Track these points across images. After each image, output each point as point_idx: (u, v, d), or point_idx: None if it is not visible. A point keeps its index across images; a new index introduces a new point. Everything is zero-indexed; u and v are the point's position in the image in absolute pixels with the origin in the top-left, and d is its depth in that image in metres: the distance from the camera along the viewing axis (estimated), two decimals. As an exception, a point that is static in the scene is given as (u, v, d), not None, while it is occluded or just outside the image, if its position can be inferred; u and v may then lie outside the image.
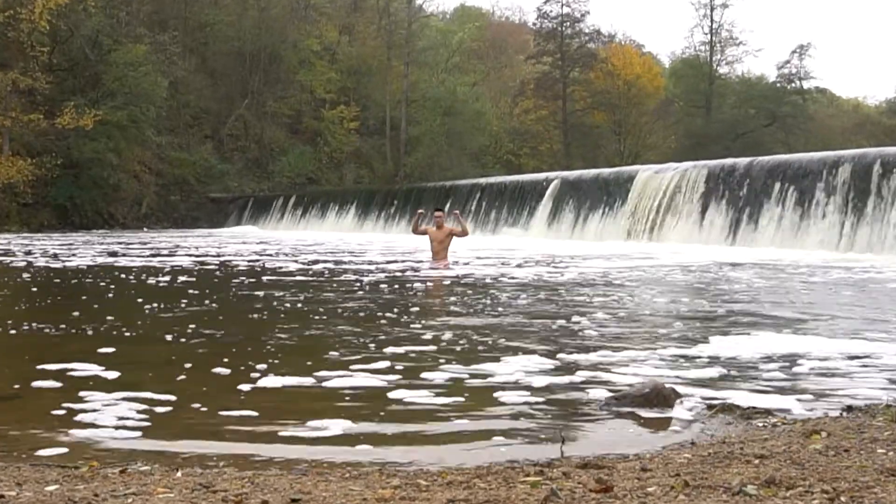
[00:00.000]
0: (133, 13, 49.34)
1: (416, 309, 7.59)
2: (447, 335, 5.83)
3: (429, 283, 10.58)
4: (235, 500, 2.39)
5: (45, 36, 41.48)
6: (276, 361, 4.79)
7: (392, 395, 3.95)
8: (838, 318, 6.84)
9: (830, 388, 4.12)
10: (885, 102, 71.71)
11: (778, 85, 63.28)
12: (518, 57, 67.85)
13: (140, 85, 42.88)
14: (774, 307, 7.63)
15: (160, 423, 3.44)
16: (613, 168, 29.84)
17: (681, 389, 3.91)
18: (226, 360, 4.80)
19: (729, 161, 22.74)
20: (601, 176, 26.94)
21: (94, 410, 3.60)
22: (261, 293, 9.20)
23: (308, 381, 4.24)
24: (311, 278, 11.47)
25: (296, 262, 15.44)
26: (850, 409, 3.66)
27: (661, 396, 3.69)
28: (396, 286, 10.03)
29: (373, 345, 5.37)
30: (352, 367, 4.57)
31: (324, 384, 4.18)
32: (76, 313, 7.23)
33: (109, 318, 6.89)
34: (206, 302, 8.32)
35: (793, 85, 63.52)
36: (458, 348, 5.32)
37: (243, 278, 11.52)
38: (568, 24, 59.81)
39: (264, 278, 11.51)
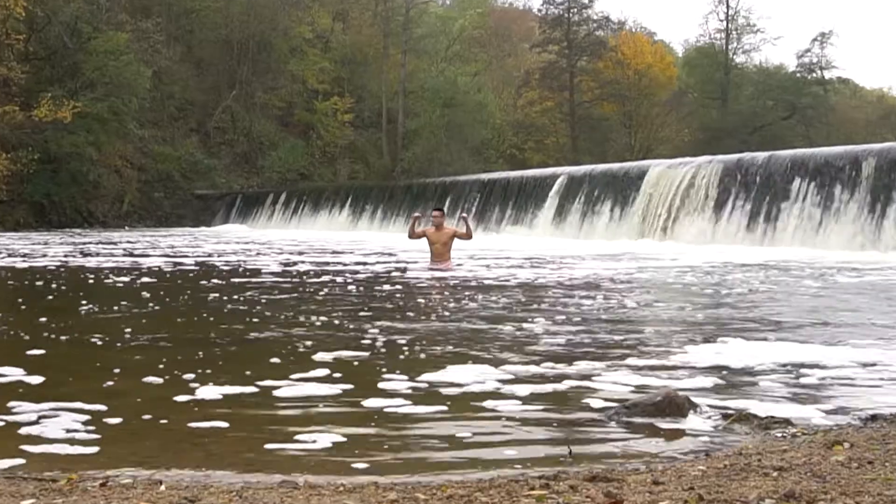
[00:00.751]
0: (114, -1, 49.40)
1: (390, 312, 7.61)
2: (430, 340, 5.85)
3: (412, 285, 10.60)
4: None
5: (20, 23, 41.50)
6: (209, 370, 4.73)
7: (368, 403, 3.94)
8: (861, 324, 6.84)
9: (852, 397, 4.12)
10: (912, 93, 71.82)
11: (798, 75, 63.28)
12: (522, 45, 67.85)
13: (121, 75, 42.87)
14: (792, 312, 7.63)
15: (115, 436, 3.43)
16: (623, 163, 29.83)
17: (694, 398, 3.91)
18: (160, 366, 4.83)
19: (746, 155, 22.73)
20: (610, 171, 26.94)
21: (33, 423, 3.58)
22: (220, 295, 9.24)
23: (249, 389, 4.22)
24: (283, 279, 11.59)
25: (277, 262, 15.61)
26: (873, 418, 3.66)
27: (673, 405, 3.69)
28: (376, 288, 10.06)
29: (324, 351, 5.34)
30: (295, 375, 4.55)
31: (276, 393, 4.15)
32: (11, 318, 7.31)
33: (42, 319, 6.95)
34: (151, 305, 8.36)
35: (813, 75, 63.52)
36: (443, 354, 5.32)
37: (213, 279, 11.61)
38: (575, 10, 59.83)
39: (234, 280, 11.63)
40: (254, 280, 11.56)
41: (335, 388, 4.23)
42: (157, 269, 13.73)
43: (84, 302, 8.35)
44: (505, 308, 7.89)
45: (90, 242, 25.48)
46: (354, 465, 3.03)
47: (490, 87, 58.63)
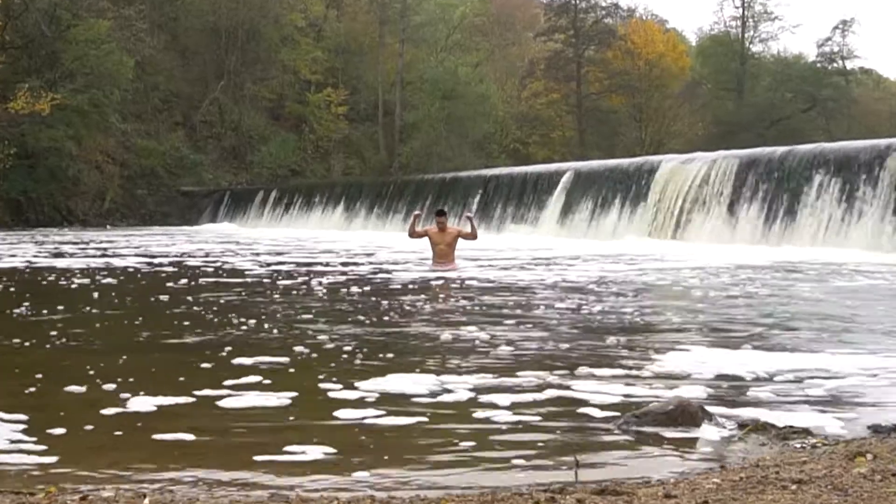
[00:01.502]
0: (95, -16, 49.36)
1: (348, 315, 7.65)
2: (381, 345, 5.89)
3: (391, 287, 10.63)
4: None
5: (-4, 10, 41.49)
6: (139, 377, 4.73)
7: (342, 414, 3.93)
8: (883, 331, 6.84)
9: (874, 406, 4.12)
10: (938, 84, 71.82)
11: (818, 65, 63.29)
12: (527, 34, 67.85)
13: (103, 65, 42.85)
14: (810, 317, 7.63)
15: (71, 447, 3.43)
16: (633, 158, 29.80)
17: (707, 406, 3.91)
18: (91, 372, 4.84)
19: (763, 150, 22.72)
20: (619, 167, 26.92)
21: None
22: (172, 297, 9.30)
23: (185, 399, 4.21)
24: (252, 280, 11.71)
25: (255, 262, 15.75)
26: (898, 428, 3.66)
27: (686, 414, 3.68)
28: (356, 289, 10.11)
29: (261, 356, 5.36)
30: (228, 381, 4.56)
31: (220, 403, 4.15)
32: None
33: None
34: (86, 308, 8.38)
35: (834, 65, 63.52)
36: (430, 360, 5.33)
37: (179, 280, 11.70)
38: (582, -4, 59.85)
39: (203, 280, 11.75)
40: (222, 280, 11.70)
41: (274, 398, 4.23)
42: (123, 270, 13.88)
43: (26, 304, 8.39)
44: (493, 311, 7.87)
45: (65, 242, 25.54)
46: (349, 478, 3.03)
47: (492, 78, 58.60)
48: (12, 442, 3.48)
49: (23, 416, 3.85)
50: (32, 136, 40.80)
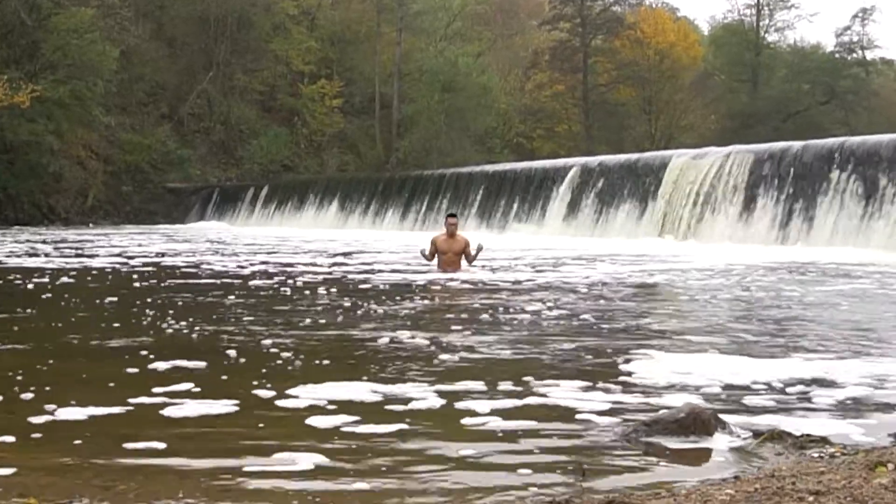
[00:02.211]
0: (77, -29, 49.39)
1: (304, 317, 7.66)
2: (325, 349, 5.90)
3: (370, 288, 10.68)
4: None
5: (-28, -2, 41.48)
6: (62, 385, 4.72)
7: (316, 422, 3.92)
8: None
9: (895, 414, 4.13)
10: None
11: (836, 55, 63.28)
12: (531, 22, 67.83)
13: (85, 55, 42.84)
14: (828, 320, 7.64)
15: (32, 457, 3.42)
16: (643, 153, 29.81)
17: (720, 414, 3.91)
18: (15, 377, 4.84)
19: (779, 145, 22.72)
20: (628, 162, 26.93)
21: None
22: (121, 298, 9.37)
23: (117, 409, 4.18)
24: (226, 281, 11.76)
25: (230, 263, 15.88)
26: (921, 436, 3.66)
27: (699, 422, 3.68)
28: (322, 290, 10.16)
29: (186, 359, 5.36)
30: (157, 389, 4.55)
31: (163, 412, 4.13)
32: None
33: None
34: (21, 310, 8.40)
35: (854, 55, 63.50)
36: (382, 366, 5.33)
37: (141, 282, 11.78)
38: (589, -17, 59.85)
39: (172, 281, 11.88)
40: (191, 282, 11.83)
41: (219, 405, 4.22)
42: (90, 270, 13.95)
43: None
44: (463, 314, 7.86)
45: (38, 241, 25.58)
46: (345, 490, 3.03)
47: (495, 69, 58.57)
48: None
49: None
50: (11, 130, 40.80)
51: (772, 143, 23.50)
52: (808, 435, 3.66)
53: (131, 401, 4.31)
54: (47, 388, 4.61)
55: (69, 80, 42.24)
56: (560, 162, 32.07)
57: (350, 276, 12.53)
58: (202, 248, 21.71)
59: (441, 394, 4.48)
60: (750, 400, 4.39)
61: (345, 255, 18.72)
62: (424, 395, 4.45)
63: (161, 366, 5.24)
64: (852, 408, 4.24)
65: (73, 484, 3.08)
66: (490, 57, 60.40)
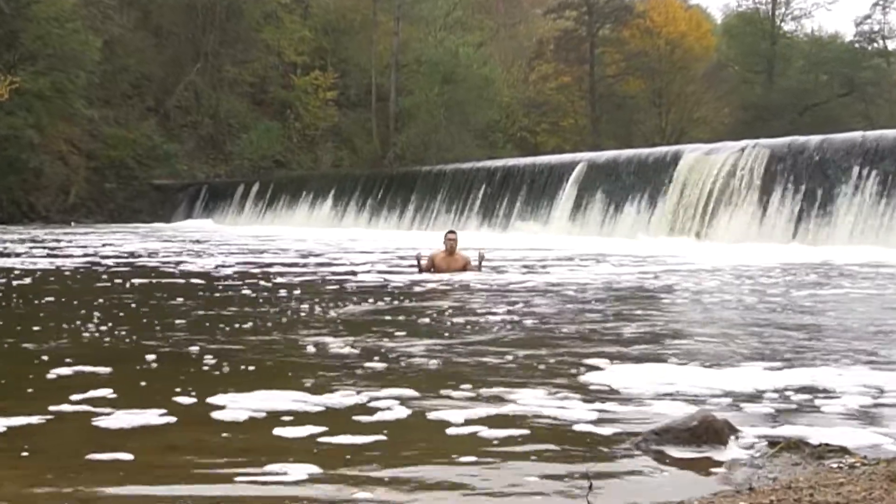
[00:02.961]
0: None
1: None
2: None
3: (343, 291, 10.70)
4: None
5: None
6: None
7: (281, 432, 3.91)
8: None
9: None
10: None
11: (856, 45, 63.24)
12: (535, 11, 67.80)
13: (67, 45, 42.84)
14: (848, 325, 7.64)
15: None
16: (653, 148, 29.81)
17: (734, 422, 3.91)
18: None
19: (796, 139, 22.73)
20: (637, 157, 26.93)
21: None
22: (65, 300, 9.42)
23: (38, 418, 4.17)
24: (193, 283, 11.78)
25: (218, 263, 16.02)
26: (945, 446, 3.65)
27: (711, 431, 3.68)
28: (297, 293, 10.18)
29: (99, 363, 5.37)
30: (76, 396, 4.53)
31: (96, 422, 4.11)
32: None
33: None
34: None
35: (874, 45, 63.47)
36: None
37: (116, 282, 11.83)
38: (596, -31, 59.84)
39: (136, 281, 11.95)
40: (155, 281, 11.96)
41: (153, 415, 4.20)
42: (55, 271, 13.99)
43: None
44: (424, 319, 7.85)
45: (13, 241, 25.57)
46: (351, 498, 3.03)
47: (497, 60, 58.56)
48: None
49: None
50: (-11, 124, 40.82)
51: (788, 138, 23.52)
52: (826, 444, 3.65)
53: (53, 409, 4.29)
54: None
55: (50, 72, 42.24)
56: (566, 157, 32.08)
57: (328, 279, 12.53)
58: (185, 248, 21.72)
59: (404, 402, 4.46)
60: (776, 407, 4.39)
61: (332, 255, 18.71)
62: (390, 405, 4.42)
63: (66, 371, 5.25)
64: (873, 416, 4.24)
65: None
66: (492, 47, 60.40)
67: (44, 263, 15.71)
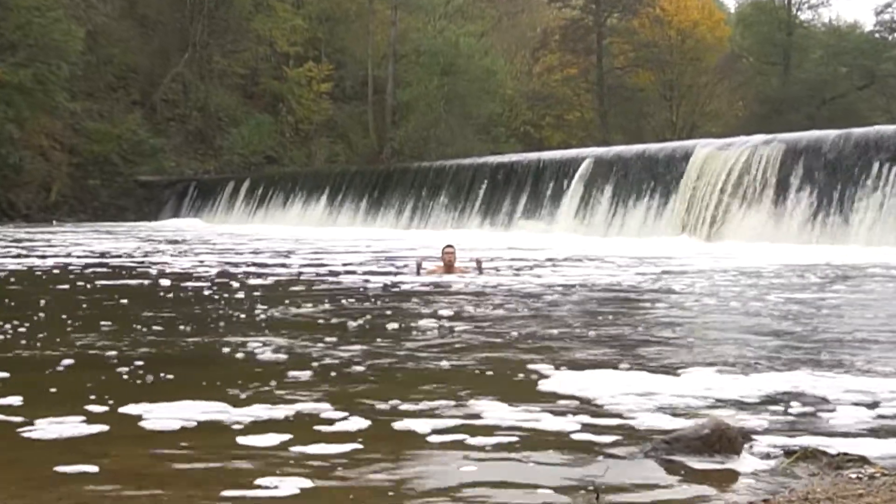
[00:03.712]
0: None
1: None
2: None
3: (309, 292, 10.72)
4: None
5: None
6: None
7: (245, 441, 3.89)
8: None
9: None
10: None
11: (876, 35, 63.26)
12: (539, -1, 67.87)
13: (49, 35, 42.83)
14: (868, 330, 7.63)
15: None
16: (663, 143, 29.80)
17: (748, 431, 3.91)
18: None
19: (814, 133, 22.73)
20: (647, 153, 26.93)
21: None
22: (22, 301, 9.46)
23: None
24: (158, 285, 11.79)
25: (196, 263, 16.07)
26: (970, 455, 3.65)
27: (724, 439, 3.67)
28: (258, 294, 10.21)
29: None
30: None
31: (30, 434, 4.05)
32: None
33: None
34: None
35: (895, 36, 63.50)
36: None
37: (78, 283, 11.85)
38: (604, -44, 59.87)
39: (99, 283, 12.01)
40: (118, 283, 12.01)
41: (82, 426, 4.14)
42: (16, 272, 14.00)
43: None
44: (377, 323, 7.83)
45: None
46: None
47: (499, 51, 58.62)
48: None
49: None
50: (-33, 118, 40.82)
51: (805, 132, 23.53)
52: (844, 454, 3.65)
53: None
54: None
55: (31, 63, 42.23)
56: (571, 153, 32.06)
57: (304, 280, 12.52)
58: (164, 249, 21.73)
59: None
60: (794, 415, 4.39)
61: (318, 255, 18.68)
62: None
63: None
64: (893, 426, 4.24)
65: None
66: (494, 37, 60.43)
67: (12, 264, 15.68)
